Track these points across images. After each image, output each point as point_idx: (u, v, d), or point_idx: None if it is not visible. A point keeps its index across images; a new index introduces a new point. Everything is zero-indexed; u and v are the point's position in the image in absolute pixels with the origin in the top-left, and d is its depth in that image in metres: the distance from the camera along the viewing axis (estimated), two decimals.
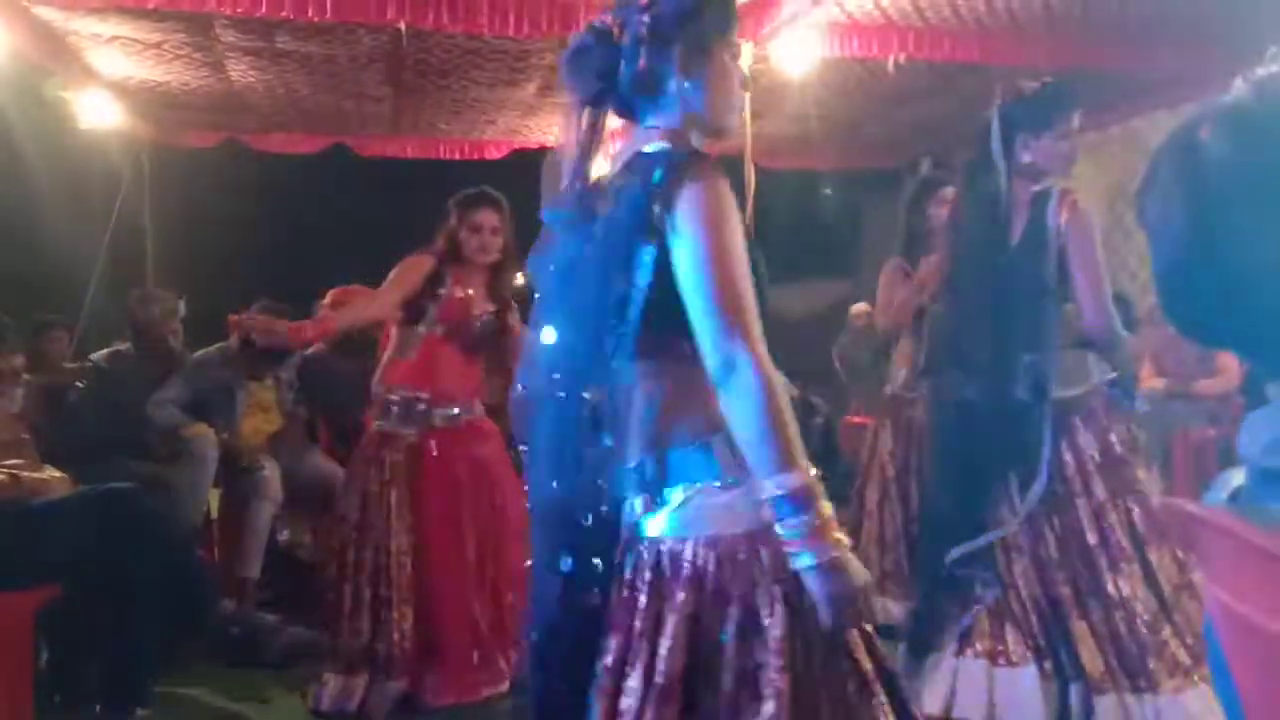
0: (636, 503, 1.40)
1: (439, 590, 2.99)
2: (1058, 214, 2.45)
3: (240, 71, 5.23)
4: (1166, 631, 2.31)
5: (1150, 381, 5.06)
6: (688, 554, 1.33)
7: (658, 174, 1.32)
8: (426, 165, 7.05)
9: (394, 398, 3.06)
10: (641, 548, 1.38)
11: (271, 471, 3.79)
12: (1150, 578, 2.36)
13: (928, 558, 2.63)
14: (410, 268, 3.09)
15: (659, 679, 1.29)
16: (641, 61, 1.39)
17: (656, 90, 1.42)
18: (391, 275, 3.10)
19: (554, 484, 1.40)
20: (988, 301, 2.46)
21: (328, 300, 4.16)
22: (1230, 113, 0.76)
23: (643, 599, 1.35)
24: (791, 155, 7.06)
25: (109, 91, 5.32)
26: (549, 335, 1.45)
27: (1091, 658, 2.32)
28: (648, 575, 1.36)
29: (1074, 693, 2.33)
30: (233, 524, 3.84)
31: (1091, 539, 2.39)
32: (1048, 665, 2.37)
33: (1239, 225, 0.72)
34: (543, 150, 7.14)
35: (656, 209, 1.31)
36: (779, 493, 1.24)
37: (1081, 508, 2.41)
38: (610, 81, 1.42)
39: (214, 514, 4.04)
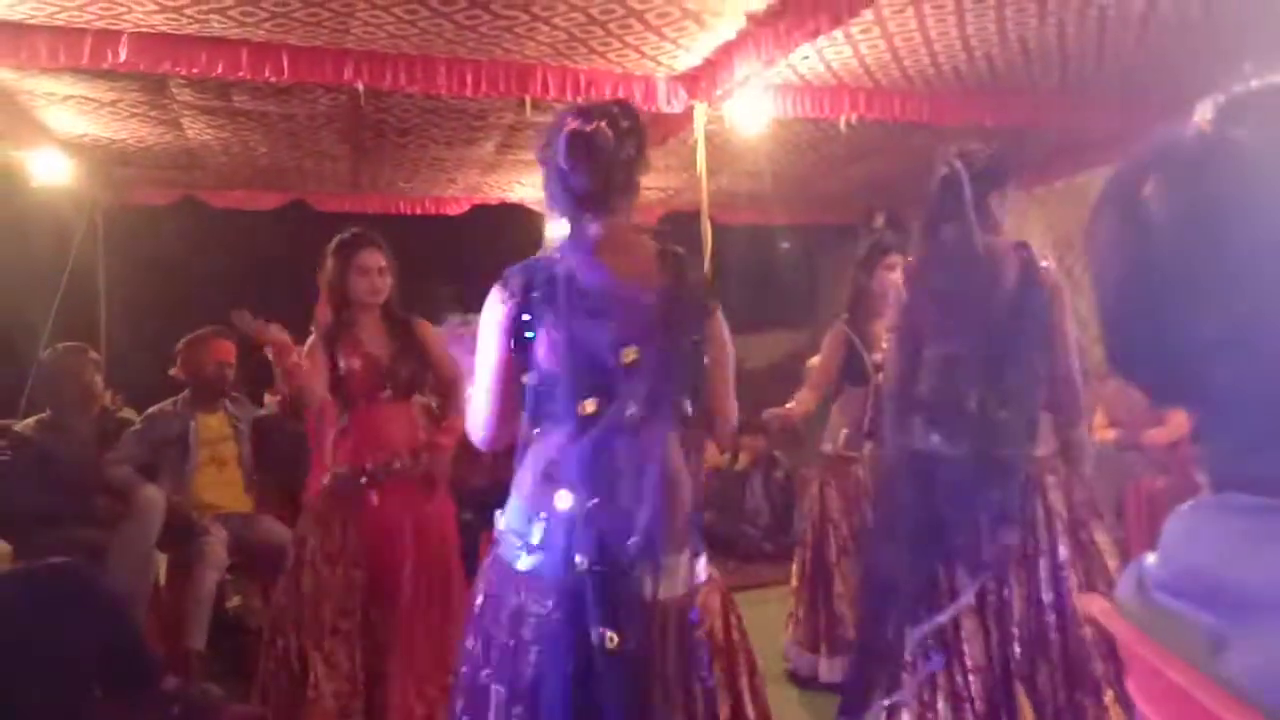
0: None
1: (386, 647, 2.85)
2: (1043, 268, 2.48)
3: (197, 130, 5.20)
4: (1109, 698, 2.30)
5: (1102, 433, 5.13)
6: None
7: None
8: (388, 221, 7.04)
9: (341, 470, 2.96)
10: None
11: (217, 536, 3.66)
12: (1105, 639, 2.35)
13: (868, 619, 2.59)
14: (311, 358, 2.96)
15: None
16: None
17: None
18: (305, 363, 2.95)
19: None
20: (976, 353, 2.42)
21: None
22: (1176, 165, 0.73)
23: None
24: (747, 210, 7.15)
25: (62, 150, 5.26)
26: None
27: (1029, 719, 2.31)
28: None
29: None
30: (177, 593, 3.71)
31: (1046, 597, 2.39)
32: None
33: (1180, 279, 0.69)
34: (502, 206, 7.22)
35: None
36: None
37: (1043, 567, 2.41)
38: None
39: (162, 581, 3.93)
